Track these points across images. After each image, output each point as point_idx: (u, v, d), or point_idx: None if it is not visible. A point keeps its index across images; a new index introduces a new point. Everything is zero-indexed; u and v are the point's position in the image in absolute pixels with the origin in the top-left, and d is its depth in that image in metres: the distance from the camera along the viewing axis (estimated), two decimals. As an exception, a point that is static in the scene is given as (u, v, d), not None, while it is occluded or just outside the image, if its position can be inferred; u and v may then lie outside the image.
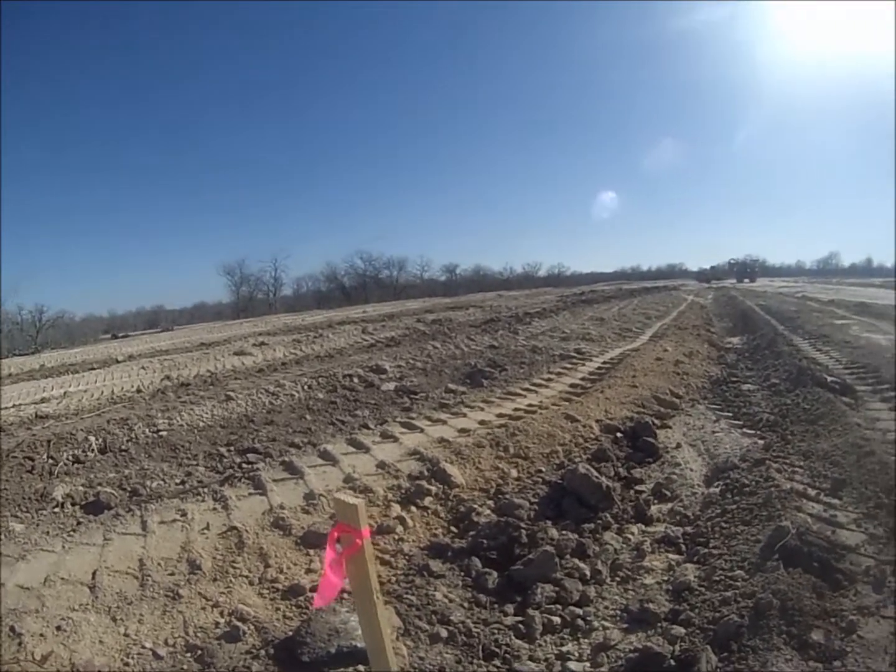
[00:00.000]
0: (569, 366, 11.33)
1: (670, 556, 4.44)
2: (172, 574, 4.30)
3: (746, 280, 54.04)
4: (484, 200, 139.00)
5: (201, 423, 8.47)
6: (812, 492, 4.97)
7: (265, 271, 78.18)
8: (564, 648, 3.51)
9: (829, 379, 8.51)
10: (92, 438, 7.65)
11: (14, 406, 12.15)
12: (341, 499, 2.48)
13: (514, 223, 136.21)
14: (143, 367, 16.76)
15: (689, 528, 4.80)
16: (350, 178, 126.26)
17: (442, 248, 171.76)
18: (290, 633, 3.62)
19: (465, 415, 8.14)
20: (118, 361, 19.36)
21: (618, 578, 4.23)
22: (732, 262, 61.14)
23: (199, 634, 3.69)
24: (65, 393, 13.42)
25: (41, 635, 3.59)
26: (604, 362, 11.54)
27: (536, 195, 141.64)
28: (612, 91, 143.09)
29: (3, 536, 5.03)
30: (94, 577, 4.25)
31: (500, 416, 7.93)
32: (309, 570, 4.39)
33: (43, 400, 12.64)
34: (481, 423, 7.59)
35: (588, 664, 3.35)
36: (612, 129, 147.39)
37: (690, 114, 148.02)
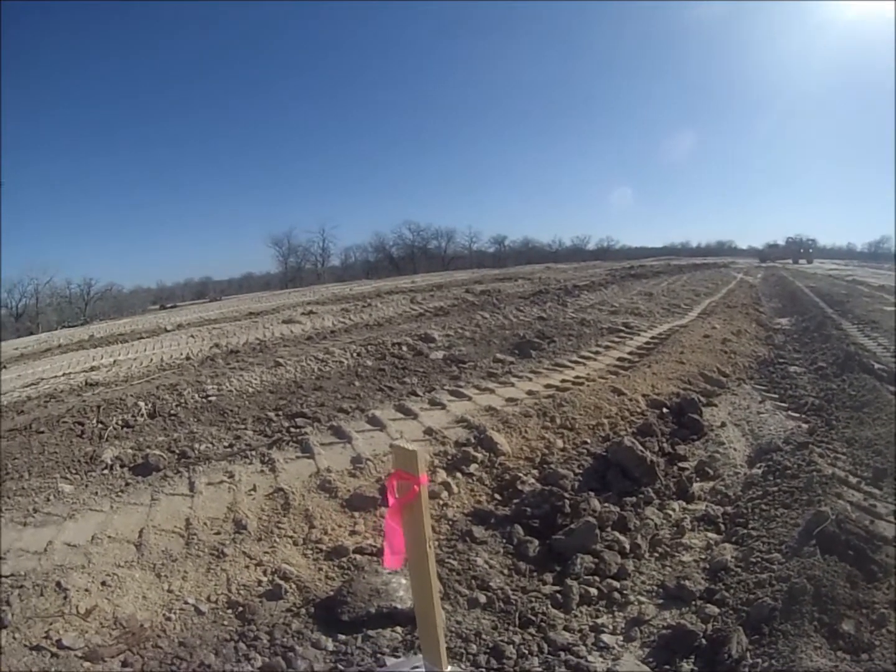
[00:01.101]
0: (617, 339, 11.21)
1: (709, 534, 4.42)
2: (218, 533, 4.41)
3: (802, 260, 51.24)
4: (534, 172, 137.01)
5: (250, 389, 8.58)
6: (853, 479, 4.88)
7: (313, 242, 77.81)
8: (599, 620, 3.52)
9: (877, 366, 8.32)
10: (141, 403, 7.84)
11: (64, 374, 12.49)
12: (400, 445, 2.48)
13: (563, 195, 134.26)
14: (191, 336, 17.01)
15: (729, 508, 4.76)
16: (399, 148, 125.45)
17: (490, 220, 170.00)
18: (332, 593, 3.70)
19: (512, 384, 8.13)
20: (167, 330, 19.72)
21: (656, 554, 4.22)
22: (790, 239, 57.11)
23: (241, 592, 3.80)
24: (114, 361, 13.74)
25: (86, 590, 3.72)
26: (652, 337, 11.41)
27: (587, 168, 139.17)
28: (671, 67, 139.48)
29: (52, 497, 5.21)
30: (140, 536, 4.38)
31: (547, 386, 7.91)
32: (353, 532, 4.47)
33: (93, 368, 12.95)
34: (529, 393, 7.58)
35: (621, 637, 3.36)
36: (665, 107, 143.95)
37: (745, 89, 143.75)
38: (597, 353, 10.10)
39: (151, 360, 13.28)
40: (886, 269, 38.07)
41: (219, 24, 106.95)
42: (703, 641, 3.08)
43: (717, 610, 3.37)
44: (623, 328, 12.29)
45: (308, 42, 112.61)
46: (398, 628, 3.43)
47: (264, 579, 3.91)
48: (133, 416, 7.45)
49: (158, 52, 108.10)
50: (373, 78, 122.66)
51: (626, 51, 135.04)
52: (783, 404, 7.45)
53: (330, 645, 3.29)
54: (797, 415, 6.95)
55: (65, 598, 3.61)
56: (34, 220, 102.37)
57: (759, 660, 2.82)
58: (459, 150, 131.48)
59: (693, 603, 3.55)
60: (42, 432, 7.03)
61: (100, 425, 7.13)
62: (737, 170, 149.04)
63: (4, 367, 15.81)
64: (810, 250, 54.93)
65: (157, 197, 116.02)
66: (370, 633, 3.39)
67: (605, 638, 3.31)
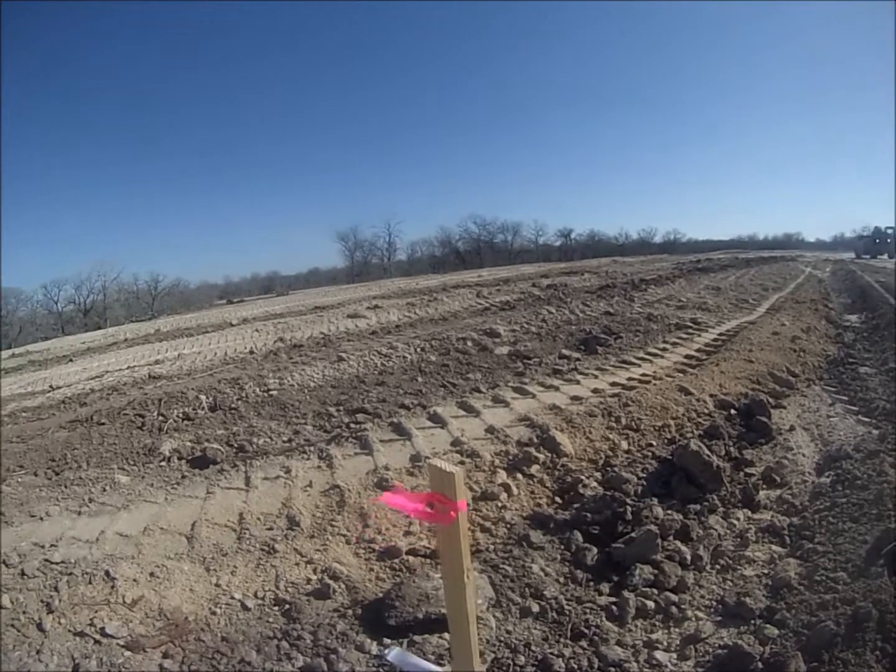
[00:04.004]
0: (684, 336, 10.97)
1: (773, 547, 4.21)
2: (270, 529, 4.44)
3: (885, 255, 44.07)
4: (600, 164, 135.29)
5: (312, 384, 8.67)
6: (927, 493, 4.60)
7: (379, 237, 79.09)
8: (654, 636, 3.38)
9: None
10: (202, 397, 7.97)
11: (128, 368, 12.88)
12: (437, 465, 2.25)
13: (630, 188, 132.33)
14: (256, 330, 17.34)
15: (795, 519, 4.53)
16: (465, 140, 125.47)
17: (557, 213, 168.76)
18: (380, 595, 3.66)
19: (578, 382, 8.01)
20: (232, 325, 20.14)
21: (718, 566, 4.04)
22: (876, 230, 48.83)
23: (289, 589, 3.80)
24: (178, 355, 14.09)
25: (134, 580, 3.78)
26: (720, 334, 11.11)
27: (654, 160, 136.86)
28: (735, 60, 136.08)
29: (108, 487, 5.33)
30: (192, 529, 4.45)
31: (613, 384, 7.77)
32: (407, 533, 4.42)
33: (157, 362, 13.32)
34: (594, 391, 7.45)
35: (675, 655, 3.21)
36: (733, 102, 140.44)
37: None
38: (664, 349, 9.91)
39: (215, 354, 13.58)
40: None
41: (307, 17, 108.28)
42: (760, 665, 2.91)
43: (776, 631, 3.18)
44: (690, 324, 12.02)
45: (378, 32, 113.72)
46: (446, 635, 3.36)
47: (313, 578, 3.91)
48: (194, 409, 7.59)
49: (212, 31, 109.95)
50: (439, 69, 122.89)
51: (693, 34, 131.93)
52: (853, 407, 7.10)
53: (374, 649, 3.25)
54: (868, 419, 6.60)
55: (112, 587, 3.69)
56: (103, 217, 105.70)
57: (816, 688, 2.65)
58: (526, 142, 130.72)
59: (752, 622, 3.37)
60: (103, 423, 7.23)
61: (160, 418, 7.28)
62: (803, 159, 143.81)
63: (70, 360, 16.35)
64: (888, 241, 47.58)
65: (226, 192, 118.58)
66: (416, 638, 3.33)
67: (659, 655, 3.18)
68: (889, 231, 47.72)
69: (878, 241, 47.92)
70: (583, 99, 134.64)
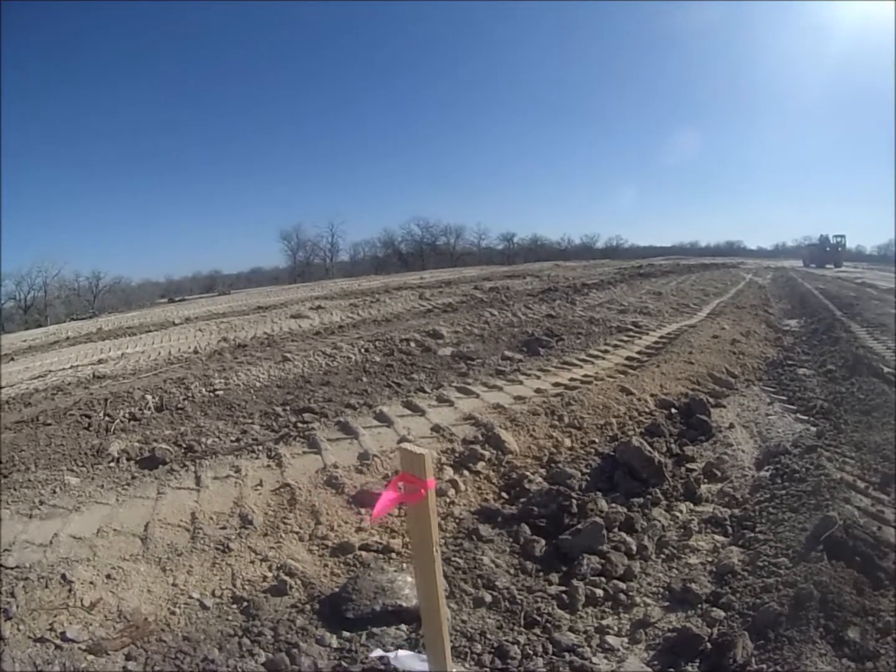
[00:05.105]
0: (625, 338, 11.19)
1: (716, 537, 4.40)
2: (224, 528, 4.42)
3: (830, 265, 43.35)
4: (543, 170, 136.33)
5: (257, 383, 8.61)
6: (861, 484, 4.82)
7: (322, 237, 77.68)
8: (605, 622, 3.51)
9: (886, 370, 8.26)
10: (149, 397, 7.86)
11: (72, 367, 12.54)
12: (408, 448, 2.40)
13: (572, 193, 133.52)
14: (199, 330, 17.04)
15: (737, 511, 4.74)
16: (407, 143, 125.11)
17: (499, 217, 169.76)
18: (337, 590, 3.71)
19: (521, 382, 8.13)
20: (175, 324, 19.78)
21: (663, 556, 4.21)
22: (823, 238, 47.43)
23: (246, 587, 3.80)
24: (122, 354, 13.80)
25: (91, 583, 3.73)
26: (661, 337, 11.38)
27: (597, 166, 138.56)
28: (684, 69, 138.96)
29: (58, 489, 5.22)
30: (146, 529, 4.39)
31: (555, 385, 7.91)
32: (359, 529, 4.47)
33: (100, 361, 13.01)
34: (537, 391, 7.58)
35: (626, 640, 3.35)
36: (674, 108, 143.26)
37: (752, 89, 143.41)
38: (605, 351, 10.09)
39: (159, 353, 13.34)
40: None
41: (230, 14, 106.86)
42: (709, 645, 3.07)
43: (722, 614, 3.35)
44: (632, 327, 12.27)
45: (317, 34, 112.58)
46: (403, 626, 3.43)
47: (269, 575, 3.92)
48: (140, 409, 7.47)
49: (165, 41, 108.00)
50: (381, 71, 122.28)
51: (632, 50, 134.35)
52: (792, 406, 7.42)
53: (334, 642, 3.29)
54: (806, 417, 6.91)
55: (69, 590, 3.63)
56: (42, 213, 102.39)
57: (764, 665, 2.80)
58: (469, 146, 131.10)
59: (699, 606, 3.54)
60: (49, 424, 7.07)
61: (107, 418, 7.15)
62: (745, 170, 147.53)
63: (12, 359, 15.88)
64: (839, 249, 46.88)
65: (166, 190, 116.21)
66: (375, 630, 3.38)
67: (611, 640, 3.31)
68: (837, 240, 47.42)
69: (828, 249, 46.83)
70: (526, 103, 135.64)
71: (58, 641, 3.24)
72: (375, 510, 2.36)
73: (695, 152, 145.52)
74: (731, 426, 6.71)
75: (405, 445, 2.40)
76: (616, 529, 4.40)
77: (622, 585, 3.81)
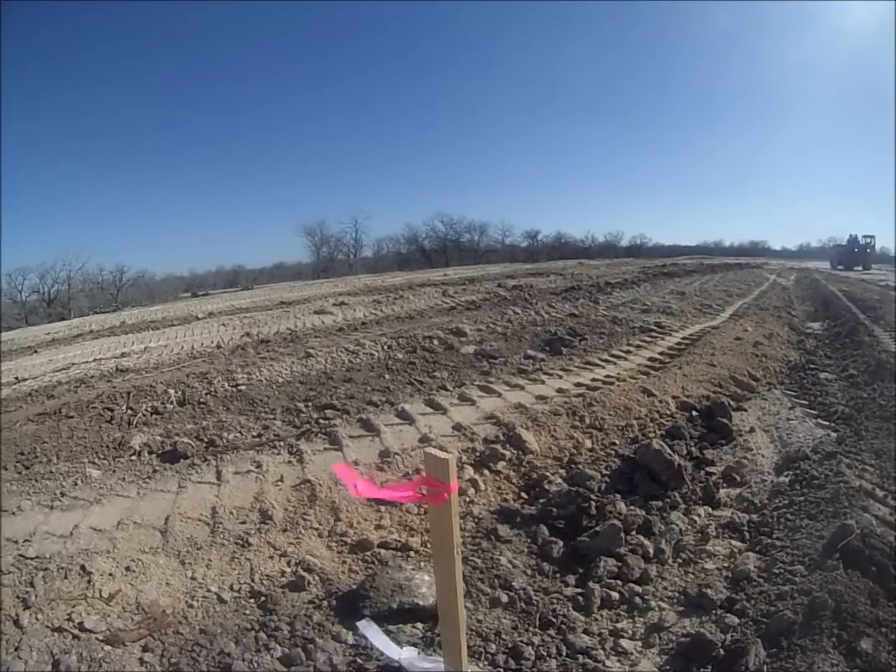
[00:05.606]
0: (648, 339, 11.16)
1: (733, 542, 4.37)
2: (243, 523, 4.47)
3: (858, 267, 41.06)
4: (569, 167, 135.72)
5: (280, 379, 8.66)
6: (880, 493, 4.74)
7: (345, 232, 77.93)
8: (619, 625, 3.50)
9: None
10: (171, 391, 7.95)
11: (95, 360, 12.67)
12: (432, 452, 2.47)
13: (597, 191, 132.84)
14: (223, 324, 17.12)
15: (754, 516, 4.71)
16: (433, 139, 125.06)
17: (524, 214, 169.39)
18: (354, 587, 3.74)
19: (543, 382, 8.13)
20: (198, 318, 19.86)
21: (680, 560, 4.19)
22: (852, 238, 44.89)
23: (264, 582, 3.85)
24: (145, 348, 13.90)
25: (110, 575, 3.79)
26: (683, 338, 11.33)
27: (622, 164, 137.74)
28: (716, 72, 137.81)
29: (79, 481, 5.30)
30: (166, 523, 4.46)
31: (577, 385, 7.90)
32: (378, 527, 4.50)
33: (123, 354, 13.12)
34: (559, 391, 7.58)
35: (640, 643, 3.34)
36: (697, 106, 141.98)
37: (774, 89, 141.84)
38: (628, 352, 10.07)
39: (182, 347, 13.42)
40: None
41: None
42: (721, 651, 3.05)
43: (737, 620, 3.34)
44: (655, 327, 12.21)
45: (345, 30, 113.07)
46: (419, 624, 3.45)
47: (288, 570, 3.96)
48: (162, 403, 7.55)
49: (194, 39, 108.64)
50: (407, 67, 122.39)
51: (656, 50, 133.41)
52: (813, 411, 7.34)
53: (350, 638, 3.32)
54: (826, 423, 6.83)
55: (88, 581, 3.69)
56: (67, 207, 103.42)
57: (776, 674, 2.79)
58: (494, 143, 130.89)
59: (714, 612, 3.52)
60: (72, 417, 7.17)
61: (129, 411, 7.24)
62: (771, 169, 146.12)
63: (35, 351, 16.08)
64: (868, 250, 44.25)
65: (191, 185, 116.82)
66: (391, 628, 3.41)
67: (624, 643, 3.30)
68: (866, 241, 45.16)
69: (856, 250, 44.63)
70: (551, 102, 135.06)
71: (75, 631, 3.31)
72: (361, 488, 2.41)
73: (720, 152, 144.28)
74: (752, 430, 6.64)
75: (430, 449, 2.46)
76: (634, 532, 4.39)
77: (638, 589, 3.80)
